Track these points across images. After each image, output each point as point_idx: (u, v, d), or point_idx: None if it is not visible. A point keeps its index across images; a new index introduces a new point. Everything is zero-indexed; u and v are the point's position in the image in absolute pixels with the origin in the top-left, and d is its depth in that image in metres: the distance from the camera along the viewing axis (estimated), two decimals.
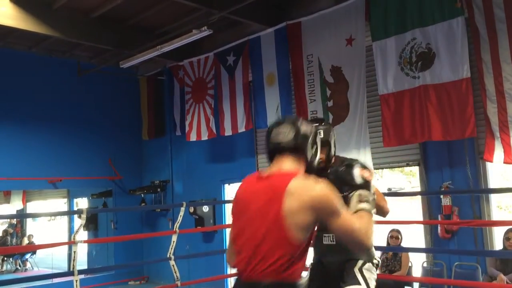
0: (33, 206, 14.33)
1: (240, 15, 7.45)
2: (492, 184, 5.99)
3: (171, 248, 5.68)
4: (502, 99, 5.47)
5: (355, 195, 2.20)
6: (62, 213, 12.35)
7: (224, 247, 8.78)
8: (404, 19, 6.21)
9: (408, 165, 6.99)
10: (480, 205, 5.87)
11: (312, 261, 3.11)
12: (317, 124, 2.84)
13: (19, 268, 12.98)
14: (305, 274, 2.96)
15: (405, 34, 6.18)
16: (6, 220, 14.18)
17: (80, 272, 5.14)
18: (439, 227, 6.07)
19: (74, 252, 5.07)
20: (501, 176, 6.16)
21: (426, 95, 5.95)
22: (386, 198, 3.08)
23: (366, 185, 2.26)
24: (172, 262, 5.61)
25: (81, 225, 5.22)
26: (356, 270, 2.81)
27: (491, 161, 5.58)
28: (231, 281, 8.79)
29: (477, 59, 5.66)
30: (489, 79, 5.56)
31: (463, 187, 5.97)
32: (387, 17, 6.37)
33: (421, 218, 6.55)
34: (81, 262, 9.12)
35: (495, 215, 5.98)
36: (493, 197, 5.98)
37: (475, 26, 5.66)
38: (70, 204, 12.48)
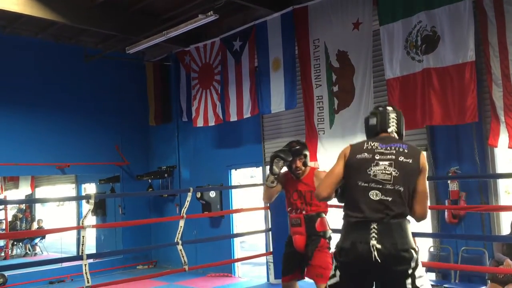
0: (41, 192, 14.44)
1: None
2: (500, 169, 5.95)
3: (179, 233, 5.72)
4: (507, 82, 5.39)
5: None
6: (70, 199, 12.45)
7: (231, 232, 8.84)
8: (411, 2, 6.12)
9: None
10: (488, 190, 5.85)
11: None
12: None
13: (28, 252, 13.13)
14: None
15: (411, 17, 6.11)
16: (15, 205, 14.33)
17: (89, 256, 5.18)
18: (446, 212, 6.06)
19: (83, 236, 5.11)
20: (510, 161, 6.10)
21: (429, 78, 5.90)
22: None
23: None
24: (179, 247, 5.66)
25: (89, 210, 5.26)
26: None
27: (495, 146, 5.54)
28: (238, 266, 8.87)
29: (484, 42, 5.58)
30: (496, 63, 5.48)
31: (470, 172, 5.94)
32: (395, 1, 6.29)
33: (428, 203, 6.52)
34: (90, 246, 9.18)
35: (503, 200, 5.96)
36: (500, 182, 5.95)
37: (482, 9, 5.57)
38: (78, 189, 12.56)
